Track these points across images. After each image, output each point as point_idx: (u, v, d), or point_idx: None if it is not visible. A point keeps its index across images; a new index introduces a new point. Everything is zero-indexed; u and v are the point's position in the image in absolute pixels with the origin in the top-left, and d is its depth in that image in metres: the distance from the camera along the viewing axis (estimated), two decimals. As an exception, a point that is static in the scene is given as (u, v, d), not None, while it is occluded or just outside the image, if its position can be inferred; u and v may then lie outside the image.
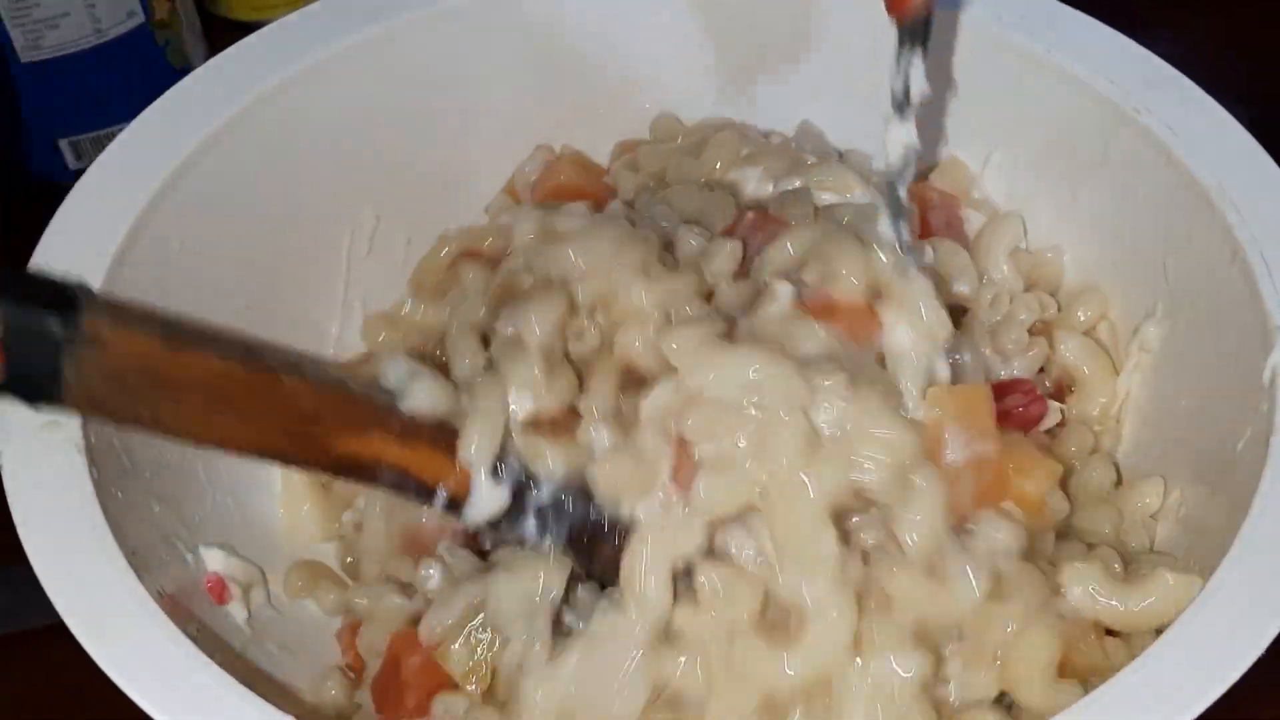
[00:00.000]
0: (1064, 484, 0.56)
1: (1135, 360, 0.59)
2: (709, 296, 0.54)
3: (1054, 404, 0.59)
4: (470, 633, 0.52)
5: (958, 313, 0.57)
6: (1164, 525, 0.56)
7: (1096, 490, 0.57)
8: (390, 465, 0.49)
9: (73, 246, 0.53)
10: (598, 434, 0.51)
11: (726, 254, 0.55)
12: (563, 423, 0.52)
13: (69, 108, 0.77)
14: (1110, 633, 0.52)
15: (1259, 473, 0.47)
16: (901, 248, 0.53)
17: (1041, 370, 0.60)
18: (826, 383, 0.49)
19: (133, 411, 0.44)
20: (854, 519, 0.50)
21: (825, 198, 0.59)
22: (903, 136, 0.55)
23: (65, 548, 0.45)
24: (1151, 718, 0.41)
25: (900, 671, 0.48)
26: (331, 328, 0.65)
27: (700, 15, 0.65)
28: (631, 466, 0.50)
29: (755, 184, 0.61)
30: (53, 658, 0.46)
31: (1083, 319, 0.61)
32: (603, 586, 0.52)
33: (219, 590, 0.54)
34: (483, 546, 0.55)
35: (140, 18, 0.77)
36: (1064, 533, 0.55)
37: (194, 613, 0.51)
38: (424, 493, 0.50)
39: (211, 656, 0.44)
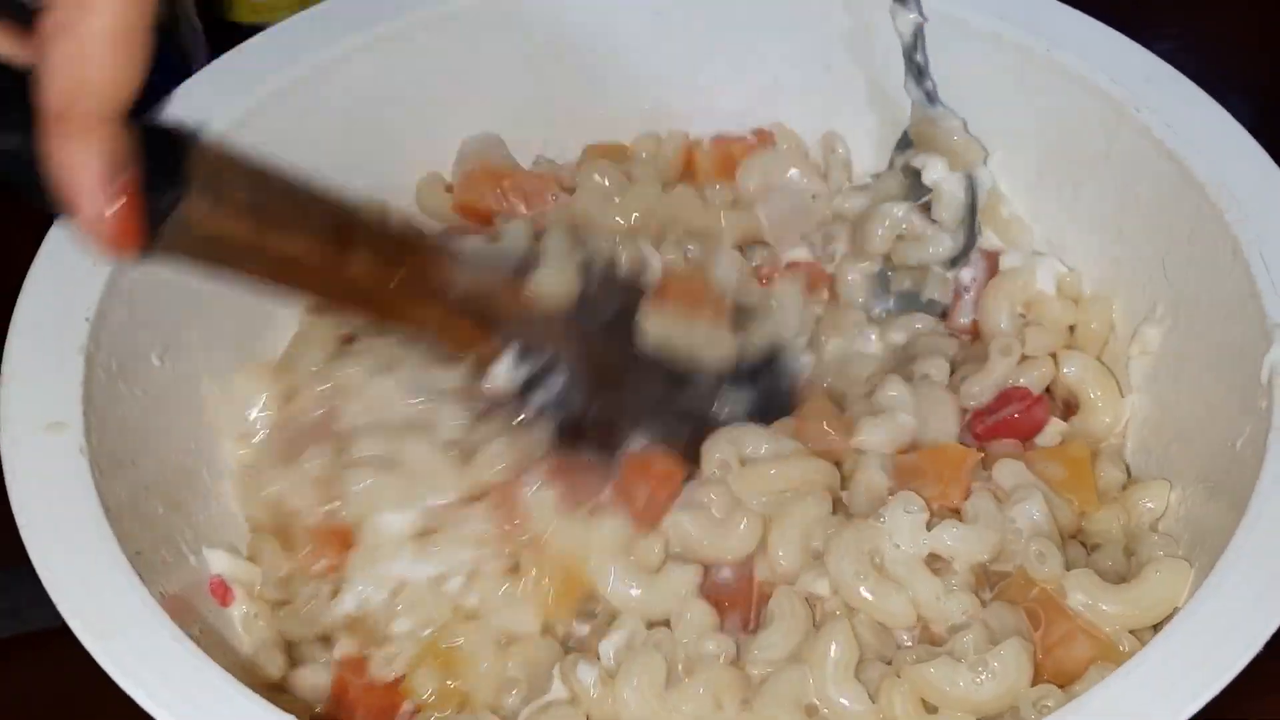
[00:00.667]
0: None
1: (1136, 363, 0.59)
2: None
3: (1057, 421, 0.59)
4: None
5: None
6: (1165, 522, 0.56)
7: (1104, 491, 0.57)
8: (436, 328, 0.54)
9: (76, 246, 0.53)
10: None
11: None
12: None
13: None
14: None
15: (1258, 470, 0.47)
16: (930, 98, 0.62)
17: (1049, 390, 0.60)
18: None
19: (215, 262, 0.47)
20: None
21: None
22: (910, 16, 0.61)
23: (68, 550, 0.46)
24: (1149, 715, 0.41)
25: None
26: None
27: (699, 19, 0.66)
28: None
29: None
30: (56, 659, 0.46)
31: (1095, 329, 0.61)
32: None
33: (222, 593, 0.54)
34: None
35: (142, 21, 0.77)
36: (1073, 532, 0.55)
37: (197, 614, 0.51)
38: (453, 355, 0.55)
39: (214, 657, 0.44)
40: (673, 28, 0.66)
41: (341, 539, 0.55)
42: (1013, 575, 0.52)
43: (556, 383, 0.56)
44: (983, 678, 0.48)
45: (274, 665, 0.53)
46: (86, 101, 0.40)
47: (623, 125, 0.68)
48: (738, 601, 0.54)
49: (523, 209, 0.65)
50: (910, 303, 0.63)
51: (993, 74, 0.61)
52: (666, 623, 0.53)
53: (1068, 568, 0.52)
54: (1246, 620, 0.43)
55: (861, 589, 0.51)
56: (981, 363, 0.59)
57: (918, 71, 0.62)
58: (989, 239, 0.63)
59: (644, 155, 0.67)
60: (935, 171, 0.62)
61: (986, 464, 0.55)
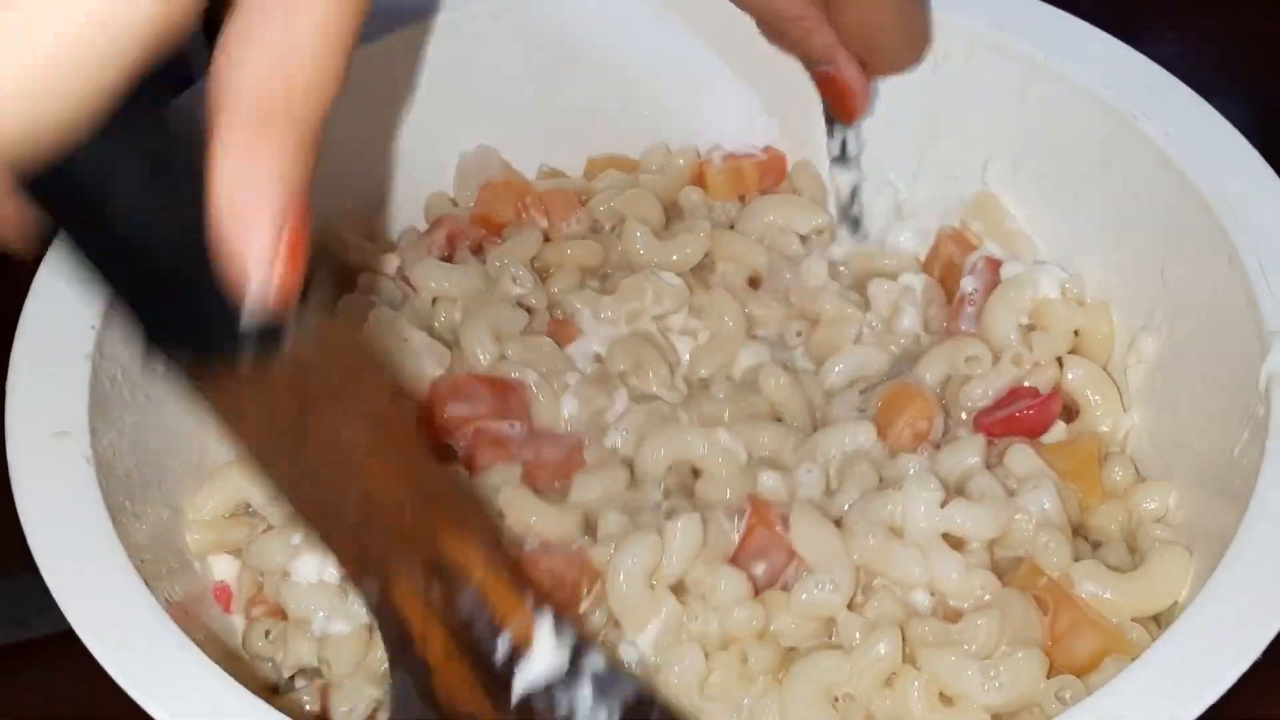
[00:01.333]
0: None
1: (1134, 371, 0.59)
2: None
3: (1059, 425, 0.59)
4: None
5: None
6: (1163, 529, 0.56)
7: (1109, 490, 0.57)
8: (476, 581, 0.44)
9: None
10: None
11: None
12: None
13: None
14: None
15: (1256, 476, 0.47)
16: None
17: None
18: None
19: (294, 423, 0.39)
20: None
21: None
22: (848, 176, 0.65)
23: (75, 556, 0.46)
24: (1156, 715, 0.42)
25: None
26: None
27: (702, 29, 0.66)
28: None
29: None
30: (63, 665, 0.46)
31: (1099, 336, 0.61)
32: None
33: (225, 599, 0.54)
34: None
35: (145, 26, 0.77)
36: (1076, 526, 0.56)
37: (202, 620, 0.52)
38: (491, 630, 0.44)
39: (220, 664, 0.44)
40: (674, 42, 0.66)
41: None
42: (1022, 563, 0.53)
43: (597, 663, 0.46)
44: (997, 683, 0.49)
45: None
46: (290, 106, 0.33)
47: (624, 136, 0.68)
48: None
49: (544, 223, 0.65)
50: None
51: (991, 82, 0.61)
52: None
53: (1075, 559, 0.52)
54: (1247, 623, 0.43)
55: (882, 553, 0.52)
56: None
57: (853, 223, 0.65)
58: (990, 249, 0.63)
59: (654, 169, 0.67)
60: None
61: (995, 454, 0.56)
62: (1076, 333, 0.61)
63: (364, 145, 0.63)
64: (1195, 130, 0.56)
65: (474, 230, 0.65)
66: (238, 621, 0.55)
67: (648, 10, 0.65)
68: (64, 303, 0.52)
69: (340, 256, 0.63)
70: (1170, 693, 0.42)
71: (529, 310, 0.61)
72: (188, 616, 0.48)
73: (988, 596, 0.52)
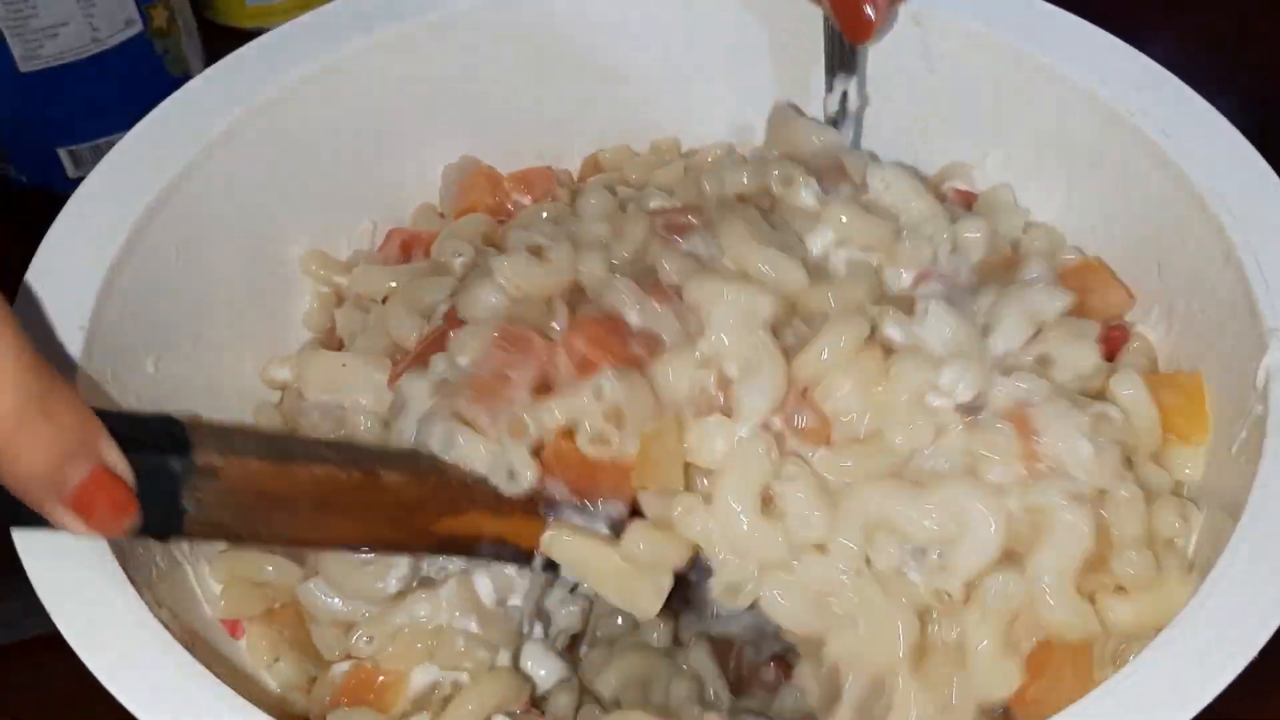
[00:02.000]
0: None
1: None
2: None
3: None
4: None
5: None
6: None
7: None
8: (489, 538, 0.50)
9: (70, 254, 0.53)
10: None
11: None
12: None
13: (67, 116, 0.77)
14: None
15: (1253, 474, 0.47)
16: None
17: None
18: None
19: (249, 528, 0.46)
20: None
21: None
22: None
23: (61, 558, 0.45)
24: (1153, 714, 0.42)
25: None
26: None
27: (697, 25, 0.66)
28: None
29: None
30: (49, 668, 0.46)
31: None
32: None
33: (232, 625, 0.54)
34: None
35: (138, 26, 0.77)
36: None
37: (190, 623, 0.51)
38: (521, 557, 0.51)
39: (208, 667, 0.44)
40: (670, 38, 0.66)
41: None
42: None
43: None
44: None
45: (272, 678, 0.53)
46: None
47: (618, 136, 0.68)
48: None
49: (528, 200, 0.65)
50: None
51: (985, 79, 0.61)
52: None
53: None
54: (1244, 623, 0.43)
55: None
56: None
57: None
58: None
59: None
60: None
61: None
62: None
63: (357, 140, 0.63)
64: (1191, 127, 0.55)
65: (429, 236, 0.64)
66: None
67: (641, 10, 0.65)
68: (53, 304, 0.52)
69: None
70: (1166, 694, 0.42)
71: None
72: (176, 619, 0.48)
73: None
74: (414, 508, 0.49)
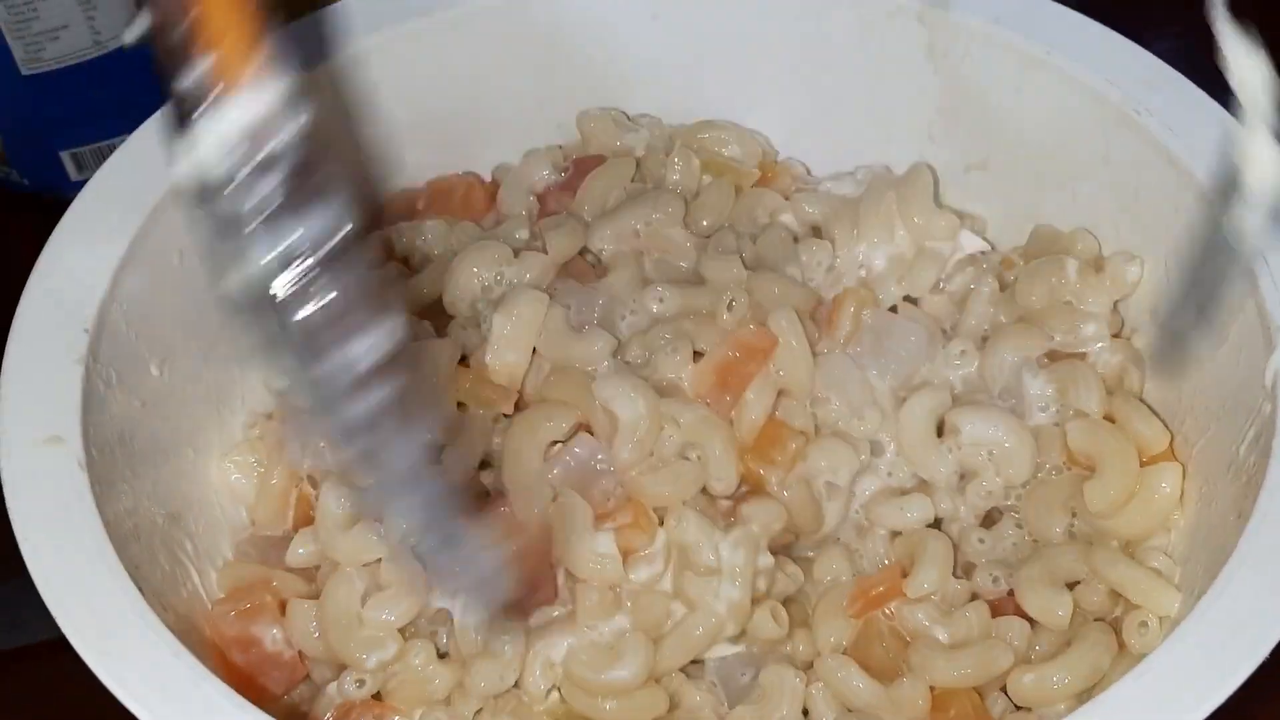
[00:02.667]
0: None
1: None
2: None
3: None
4: None
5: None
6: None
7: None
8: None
9: (74, 258, 0.53)
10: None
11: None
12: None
13: (70, 119, 0.77)
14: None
15: (1262, 474, 0.47)
16: None
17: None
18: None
19: None
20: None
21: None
22: None
23: (67, 562, 0.45)
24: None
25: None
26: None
27: (701, 22, 0.65)
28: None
29: None
30: (55, 671, 0.46)
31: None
32: None
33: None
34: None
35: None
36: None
37: (197, 626, 0.51)
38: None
39: (213, 670, 0.44)
40: (674, 34, 0.65)
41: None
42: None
43: None
44: None
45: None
46: None
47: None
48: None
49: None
50: None
51: (989, 77, 0.61)
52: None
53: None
54: (1254, 623, 0.43)
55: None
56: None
57: None
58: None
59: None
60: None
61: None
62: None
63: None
64: (1196, 124, 0.55)
65: None
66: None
67: (642, 10, 0.65)
68: (57, 307, 0.52)
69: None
70: (1175, 696, 0.42)
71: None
72: (182, 622, 0.48)
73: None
74: None
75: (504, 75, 0.65)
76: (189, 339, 0.57)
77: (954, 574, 0.55)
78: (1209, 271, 0.47)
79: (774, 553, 0.54)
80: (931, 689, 0.52)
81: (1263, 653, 0.42)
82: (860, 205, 0.61)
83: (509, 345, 0.56)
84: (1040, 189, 0.62)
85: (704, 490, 0.54)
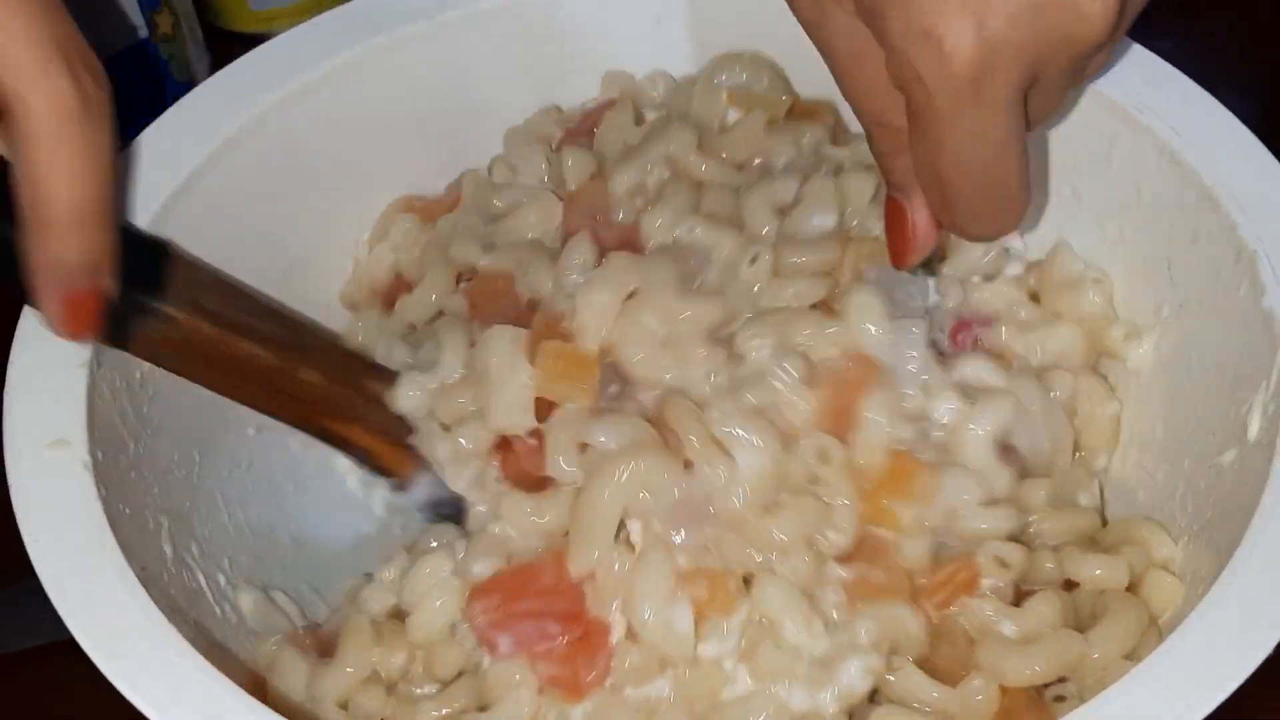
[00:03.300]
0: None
1: (1140, 364, 0.59)
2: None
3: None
4: None
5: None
6: (1172, 528, 0.56)
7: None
8: (359, 447, 0.58)
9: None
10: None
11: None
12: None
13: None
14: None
15: (1265, 472, 0.47)
16: None
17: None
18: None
19: (176, 366, 0.52)
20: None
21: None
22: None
23: (75, 564, 0.45)
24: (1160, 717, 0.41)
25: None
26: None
27: (697, 24, 0.66)
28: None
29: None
30: (64, 673, 0.46)
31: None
32: None
33: None
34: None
35: (143, 32, 0.77)
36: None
37: (205, 627, 0.51)
38: (379, 470, 0.59)
39: (223, 671, 0.44)
40: (671, 37, 0.66)
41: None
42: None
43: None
44: None
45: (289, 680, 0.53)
46: (54, 208, 0.43)
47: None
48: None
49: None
50: None
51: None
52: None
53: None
54: (1257, 622, 0.43)
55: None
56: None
57: None
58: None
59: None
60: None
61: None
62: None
63: (362, 142, 0.63)
64: (1200, 124, 0.55)
65: None
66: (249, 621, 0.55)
67: (643, 14, 0.65)
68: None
69: None
70: (1176, 695, 0.42)
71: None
72: (190, 623, 0.48)
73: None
74: (315, 402, 0.56)
75: (504, 79, 0.65)
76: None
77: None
78: None
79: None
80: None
81: (1265, 650, 0.42)
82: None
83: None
84: (1042, 188, 0.62)
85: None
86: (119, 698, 0.43)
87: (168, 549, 0.52)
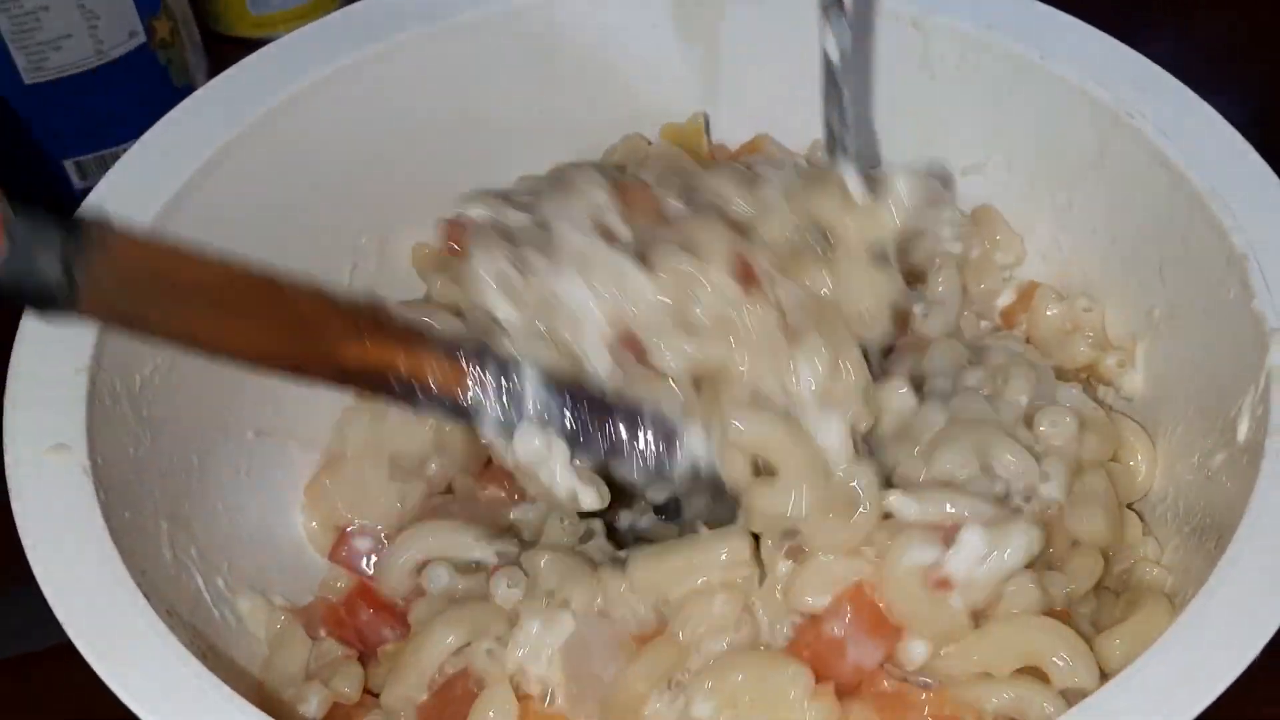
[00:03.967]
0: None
1: (1131, 367, 0.59)
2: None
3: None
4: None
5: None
6: (1162, 531, 0.56)
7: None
8: (401, 375, 0.50)
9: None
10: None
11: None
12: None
13: (73, 128, 0.78)
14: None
15: (1254, 475, 0.47)
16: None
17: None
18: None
19: (143, 315, 0.46)
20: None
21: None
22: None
23: (73, 569, 0.46)
24: (1154, 713, 0.41)
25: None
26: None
27: (694, 30, 0.66)
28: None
29: None
30: (62, 678, 0.46)
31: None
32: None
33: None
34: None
35: (142, 38, 0.77)
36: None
37: (203, 632, 0.52)
38: (439, 403, 0.52)
39: (221, 676, 0.44)
40: (667, 43, 0.66)
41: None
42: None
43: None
44: None
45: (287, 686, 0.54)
46: None
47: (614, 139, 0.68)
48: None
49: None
50: None
51: (983, 81, 0.61)
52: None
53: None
54: (1248, 619, 0.43)
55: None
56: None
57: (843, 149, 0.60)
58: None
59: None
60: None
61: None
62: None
63: (362, 148, 0.63)
64: (1190, 127, 0.55)
65: None
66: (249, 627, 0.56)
67: (643, 18, 0.65)
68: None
69: None
70: (1166, 696, 0.42)
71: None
72: (188, 628, 0.49)
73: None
74: (314, 323, 0.48)
75: (501, 85, 0.65)
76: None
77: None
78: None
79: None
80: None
81: (1256, 648, 0.42)
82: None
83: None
84: (1034, 192, 0.62)
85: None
86: (117, 702, 0.43)
87: (167, 553, 0.52)
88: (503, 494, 0.60)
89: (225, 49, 0.84)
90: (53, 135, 0.78)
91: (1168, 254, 0.56)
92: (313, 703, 0.53)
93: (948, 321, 0.61)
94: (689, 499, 0.55)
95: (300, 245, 0.62)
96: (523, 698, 0.51)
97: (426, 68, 0.63)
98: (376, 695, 0.54)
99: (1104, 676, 0.51)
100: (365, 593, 0.58)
